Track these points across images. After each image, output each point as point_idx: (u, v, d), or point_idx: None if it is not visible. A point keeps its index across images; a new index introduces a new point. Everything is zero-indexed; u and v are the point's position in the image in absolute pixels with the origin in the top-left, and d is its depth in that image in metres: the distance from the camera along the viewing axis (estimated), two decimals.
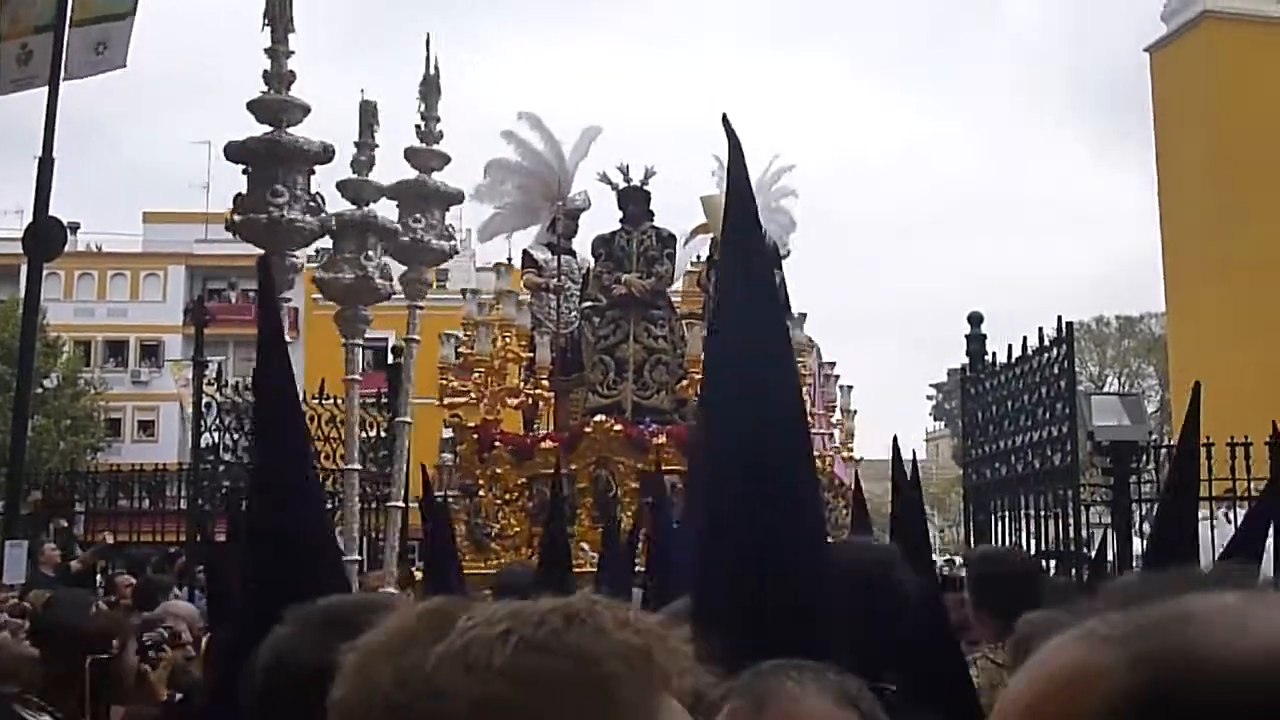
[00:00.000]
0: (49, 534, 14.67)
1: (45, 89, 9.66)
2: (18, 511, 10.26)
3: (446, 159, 7.61)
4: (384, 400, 15.21)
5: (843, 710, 1.53)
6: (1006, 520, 12.74)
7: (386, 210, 7.59)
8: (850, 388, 14.28)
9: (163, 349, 46.59)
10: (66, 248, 11.45)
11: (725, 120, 2.66)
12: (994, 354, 13.61)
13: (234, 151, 6.59)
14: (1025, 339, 12.42)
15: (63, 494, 17.22)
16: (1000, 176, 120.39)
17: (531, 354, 11.86)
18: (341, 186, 7.28)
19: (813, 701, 1.52)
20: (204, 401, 16.12)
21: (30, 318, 10.25)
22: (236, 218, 6.44)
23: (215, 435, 15.68)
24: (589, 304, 12.39)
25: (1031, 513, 12.05)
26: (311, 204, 6.58)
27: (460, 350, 11.93)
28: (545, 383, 11.54)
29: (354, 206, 7.28)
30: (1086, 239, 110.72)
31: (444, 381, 11.67)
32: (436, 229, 7.54)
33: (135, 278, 48.22)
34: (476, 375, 11.60)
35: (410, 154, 7.60)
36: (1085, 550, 11.43)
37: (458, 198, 7.55)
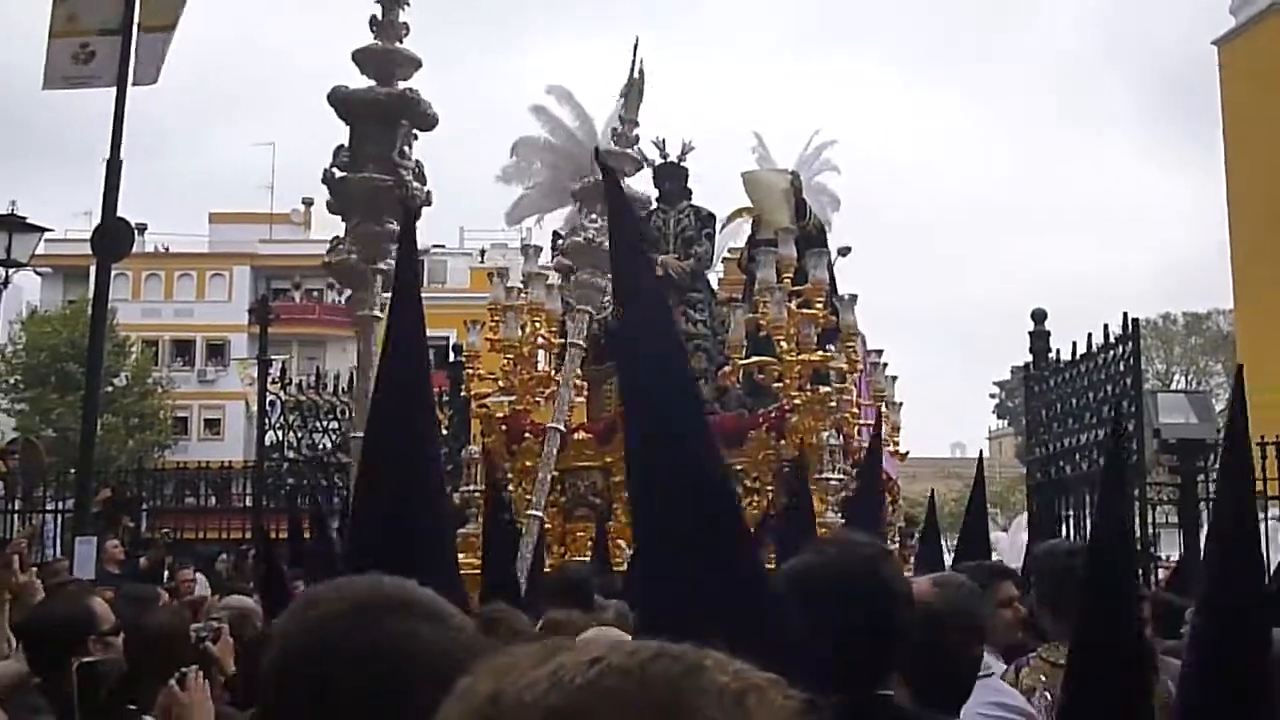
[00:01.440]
0: (116, 531, 14.88)
1: (107, 90, 9.80)
2: (88, 509, 10.40)
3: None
4: (445, 399, 15.28)
5: None
6: (1071, 519, 12.59)
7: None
8: (895, 378, 13.41)
9: (228, 348, 47.14)
10: (134, 248, 11.60)
11: (596, 152, 2.80)
12: (1058, 351, 13.47)
13: (342, 100, 5.71)
14: (1090, 336, 12.28)
15: (130, 492, 17.45)
16: (1052, 177, 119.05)
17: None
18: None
19: None
20: (269, 400, 16.29)
21: (99, 317, 10.39)
22: (337, 173, 5.70)
23: (279, 433, 15.83)
24: None
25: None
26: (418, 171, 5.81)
27: (489, 337, 11.09)
28: (579, 370, 10.52)
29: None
30: (1147, 237, 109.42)
31: (470, 370, 11.22)
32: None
33: (201, 277, 48.85)
34: (505, 362, 10.86)
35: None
36: (1153, 550, 11.28)
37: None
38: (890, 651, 2.56)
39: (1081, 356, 12.46)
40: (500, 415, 10.67)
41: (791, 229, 10.86)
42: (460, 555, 9.55)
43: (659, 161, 11.43)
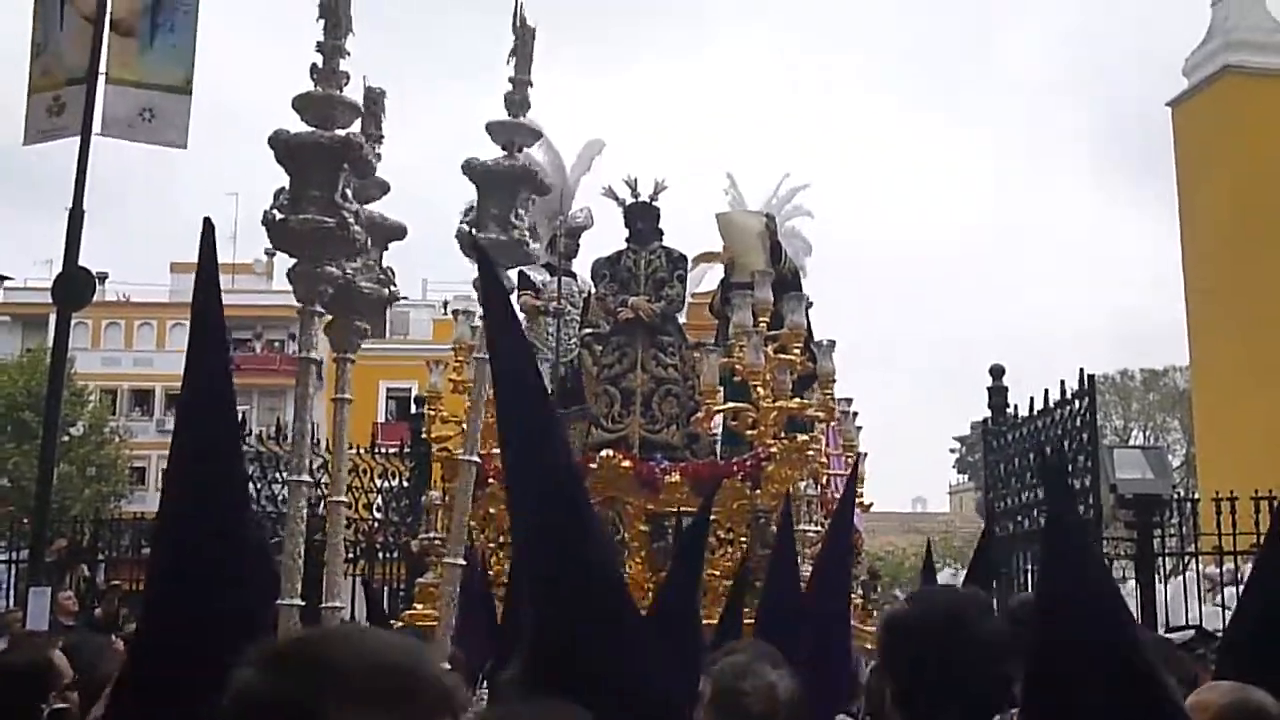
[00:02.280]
0: (71, 582, 14.72)
1: (72, 140, 9.82)
2: (42, 558, 10.30)
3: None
4: (407, 450, 15.25)
5: None
6: (1028, 574, 12.67)
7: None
8: (861, 428, 12.84)
9: None
10: (95, 297, 11.58)
11: (476, 244, 2.97)
12: (1015, 406, 13.61)
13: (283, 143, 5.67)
14: (1046, 391, 12.42)
15: (86, 542, 17.26)
16: (1019, 227, 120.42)
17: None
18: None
19: None
20: None
21: (59, 366, 10.34)
22: (276, 215, 5.66)
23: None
24: (590, 330, 11.51)
25: None
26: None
27: (453, 378, 10.78)
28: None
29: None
30: (1106, 292, 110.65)
31: (431, 412, 10.88)
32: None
33: (162, 327, 48.58)
34: (468, 404, 10.35)
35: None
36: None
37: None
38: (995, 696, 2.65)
39: (1039, 412, 12.60)
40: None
41: (769, 272, 10.65)
42: (418, 606, 9.44)
43: (630, 201, 11.18)
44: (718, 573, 8.77)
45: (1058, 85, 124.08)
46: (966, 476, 70.61)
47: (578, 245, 11.52)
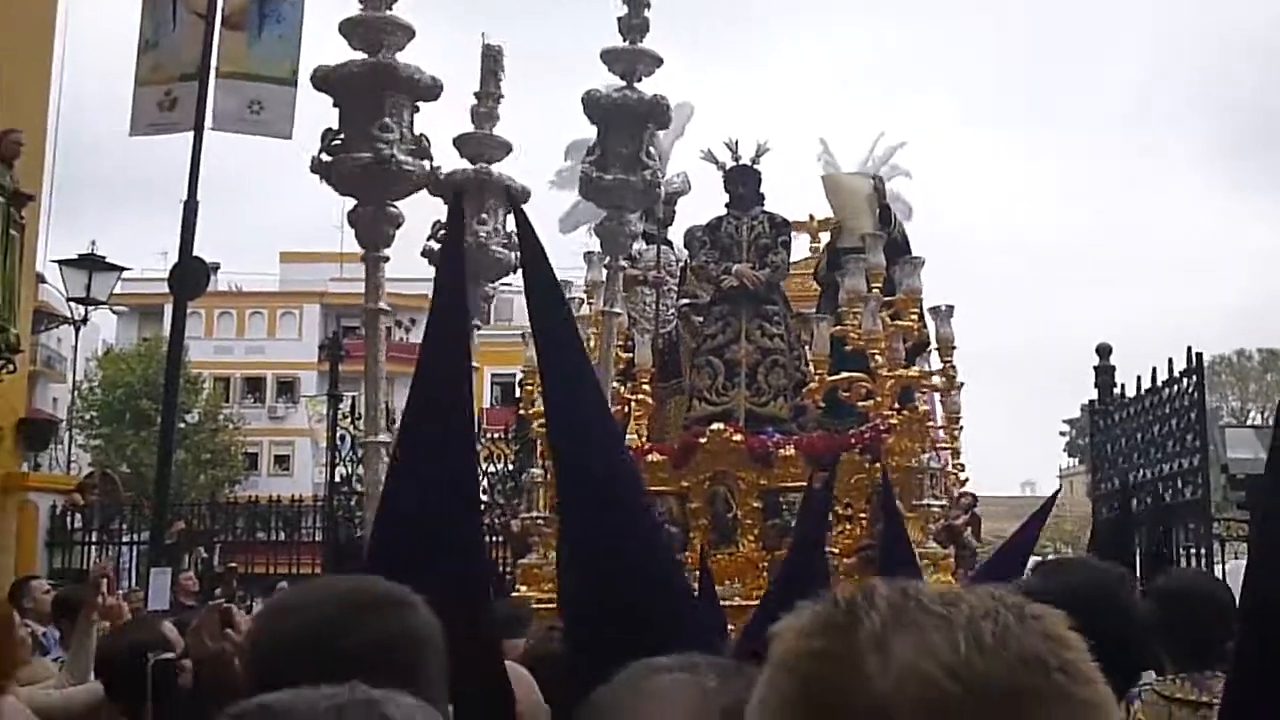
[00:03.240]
0: (189, 563, 15.17)
1: (186, 134, 10.09)
2: (162, 542, 10.65)
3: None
4: (512, 434, 15.44)
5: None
6: (1138, 556, 12.49)
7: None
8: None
9: (298, 385, 47.76)
10: (208, 287, 11.89)
11: (512, 194, 2.83)
12: (1123, 386, 13.39)
13: (322, 79, 5.26)
14: (1154, 370, 12.21)
15: (204, 525, 17.75)
16: (1124, 219, 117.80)
17: (630, 354, 10.12)
18: (460, 142, 5.89)
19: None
20: (339, 435, 16.54)
21: (175, 355, 10.65)
22: (325, 158, 5.22)
23: (349, 468, 16.08)
24: (687, 301, 10.98)
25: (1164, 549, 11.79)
26: (416, 147, 5.23)
27: None
28: (646, 387, 9.92)
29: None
30: (1223, 272, 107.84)
31: (530, 387, 10.02)
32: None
33: (272, 316, 49.58)
34: None
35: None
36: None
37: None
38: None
39: (1146, 391, 12.37)
40: None
41: (880, 235, 10.13)
42: (523, 588, 9.39)
43: (730, 164, 10.65)
44: (837, 550, 8.38)
45: (1170, 68, 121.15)
46: (1076, 460, 69.45)
47: (673, 212, 11.08)
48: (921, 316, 9.98)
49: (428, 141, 5.33)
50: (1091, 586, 2.65)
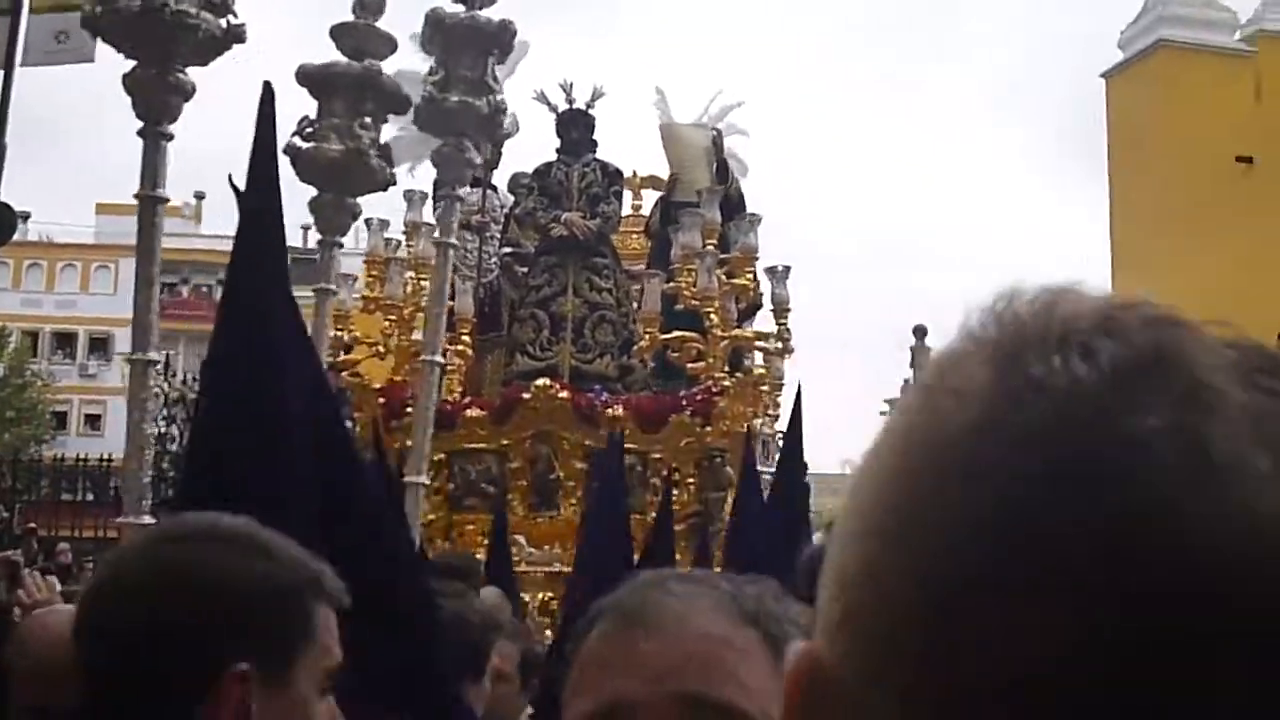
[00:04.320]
0: None
1: None
2: None
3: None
4: None
5: (741, 627, 1.17)
6: None
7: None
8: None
9: (112, 342, 46.12)
10: (16, 236, 11.37)
11: (266, 86, 2.69)
12: None
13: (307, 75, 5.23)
14: None
15: (5, 484, 17.06)
16: (946, 195, 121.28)
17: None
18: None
19: (703, 619, 1.17)
20: (153, 394, 16.04)
21: None
22: (299, 143, 5.22)
23: (164, 427, 15.60)
24: (510, 250, 10.41)
25: None
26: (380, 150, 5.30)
27: (365, 295, 9.63)
28: (466, 338, 9.30)
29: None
30: (1037, 264, 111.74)
31: (339, 332, 9.26)
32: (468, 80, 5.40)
33: (86, 269, 47.80)
34: (386, 324, 9.43)
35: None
36: None
37: (505, 34, 5.49)
38: None
39: None
40: (376, 386, 9.23)
41: (717, 189, 9.76)
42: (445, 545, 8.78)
43: (563, 108, 10.10)
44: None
45: (992, 51, 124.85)
46: None
47: (499, 155, 10.30)
48: (755, 277, 9.80)
49: (389, 151, 5.34)
50: None
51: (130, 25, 4.32)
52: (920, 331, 14.38)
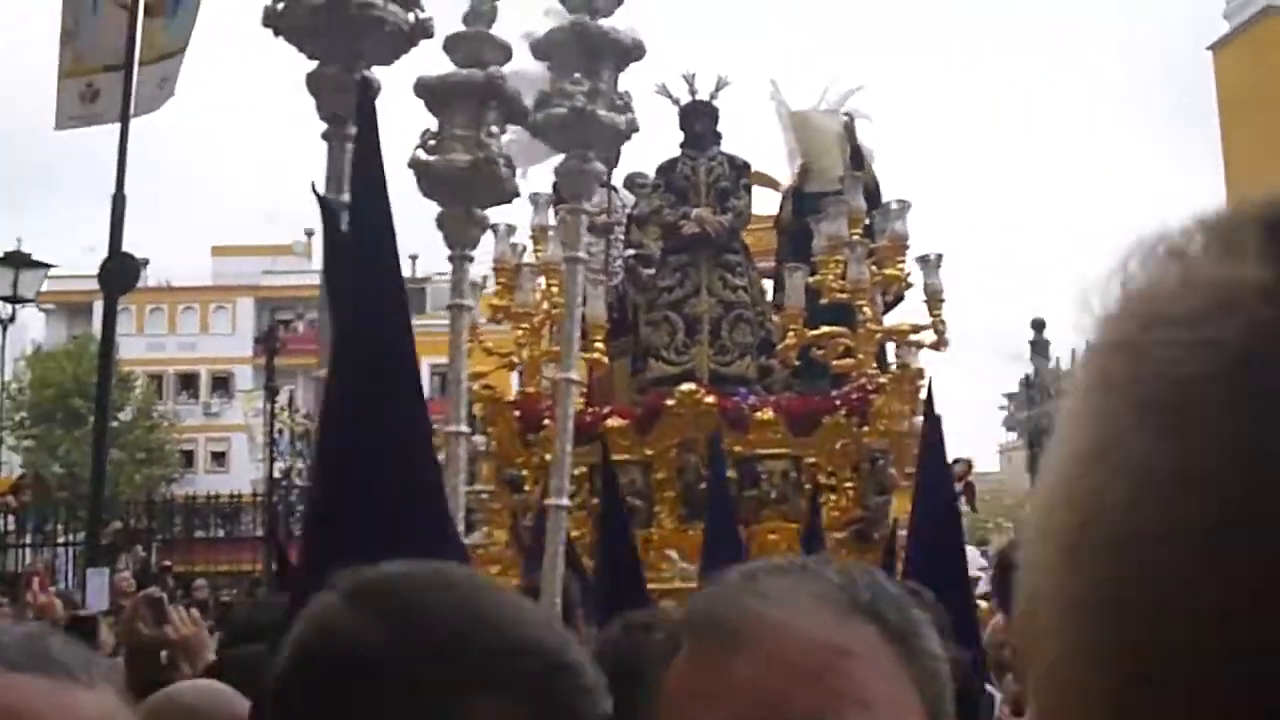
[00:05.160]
0: (127, 562, 14.95)
1: (112, 126, 9.89)
2: (99, 541, 10.46)
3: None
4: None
5: (856, 625, 0.99)
6: None
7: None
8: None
9: (233, 380, 47.23)
10: (137, 283, 11.68)
11: (364, 82, 2.53)
12: (1058, 359, 13.53)
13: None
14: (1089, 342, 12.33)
15: (139, 524, 17.52)
16: (1065, 180, 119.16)
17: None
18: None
19: (808, 624, 0.98)
20: (276, 429, 16.38)
21: (107, 352, 10.45)
22: (423, 156, 5.39)
23: (288, 461, 15.92)
24: (633, 252, 9.90)
25: None
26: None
27: (495, 303, 9.07)
28: (600, 345, 8.65)
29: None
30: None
31: (472, 342, 8.29)
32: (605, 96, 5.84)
33: (204, 310, 49.02)
34: (519, 334, 8.93)
35: None
36: None
37: (638, 50, 5.69)
38: None
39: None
40: (510, 399, 8.88)
41: (858, 175, 9.20)
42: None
43: (687, 100, 9.57)
44: (822, 523, 7.48)
45: (1099, 31, 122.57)
46: (1016, 434, 70.08)
47: (619, 153, 10.17)
48: (904, 266, 9.08)
49: (511, 160, 5.14)
50: None
51: (313, 20, 4.20)
52: (1039, 325, 14.15)
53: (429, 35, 4.58)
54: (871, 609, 1.01)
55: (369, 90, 2.63)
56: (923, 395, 9.04)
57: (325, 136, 4.26)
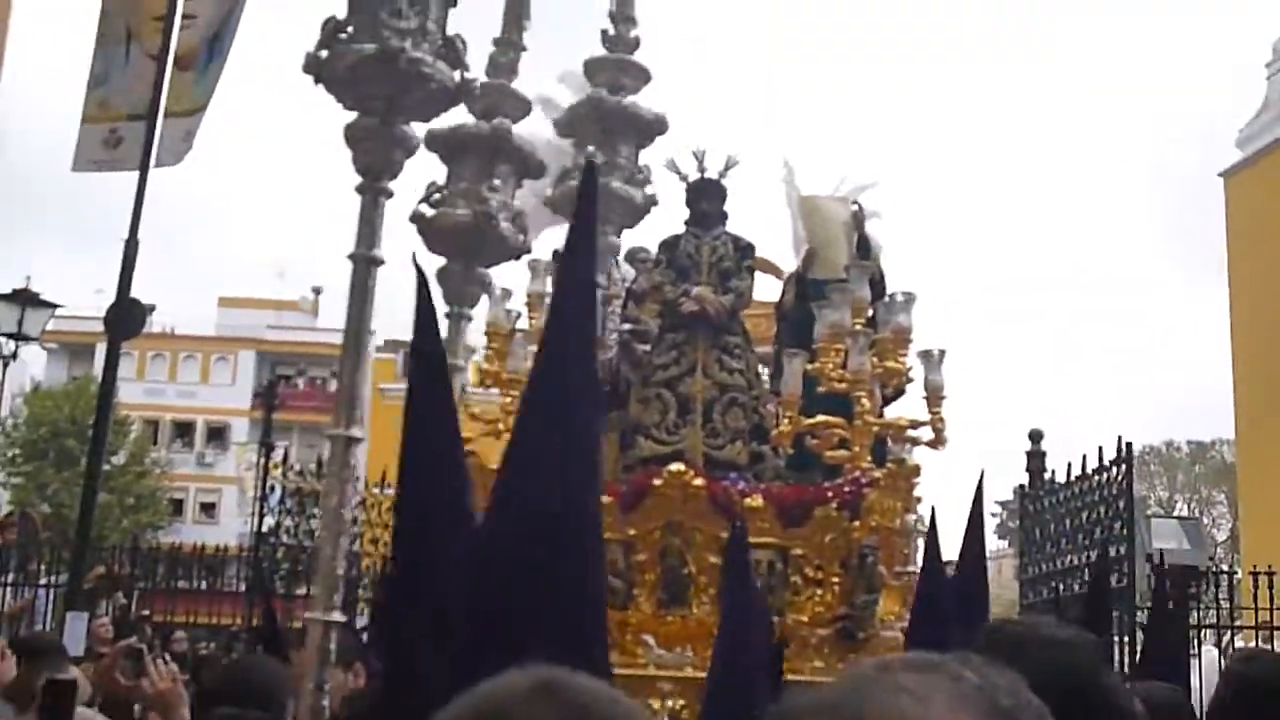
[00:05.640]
0: (107, 609, 14.86)
1: (129, 173, 10.02)
2: (81, 584, 10.42)
3: (646, 74, 5.67)
4: None
5: None
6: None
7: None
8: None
9: (229, 432, 47.17)
10: (143, 329, 11.75)
11: (589, 164, 2.42)
12: (1053, 472, 13.53)
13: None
14: (1085, 458, 12.35)
15: (124, 571, 17.41)
16: (1069, 297, 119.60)
17: None
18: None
19: None
20: (269, 485, 16.34)
21: (107, 395, 10.48)
22: (426, 210, 5.18)
23: (277, 518, 15.87)
24: (630, 327, 9.79)
25: None
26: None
27: (485, 368, 9.08)
28: None
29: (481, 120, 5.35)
30: (1158, 363, 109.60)
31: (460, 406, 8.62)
32: (625, 169, 5.61)
33: (206, 360, 49.08)
34: (508, 400, 8.71)
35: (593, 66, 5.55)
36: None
37: (659, 125, 5.53)
38: None
39: (1076, 478, 12.52)
40: (494, 467, 8.35)
41: (866, 265, 9.19)
42: None
43: (695, 177, 9.48)
44: (806, 619, 7.56)
45: (1109, 151, 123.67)
46: (1007, 543, 69.80)
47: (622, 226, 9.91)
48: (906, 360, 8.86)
49: (523, 218, 5.09)
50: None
51: (356, 71, 4.10)
52: (1036, 435, 14.17)
53: (472, 95, 4.59)
54: (1010, 716, 0.95)
55: (594, 170, 2.58)
56: (917, 493, 9.10)
57: (360, 190, 4.24)
